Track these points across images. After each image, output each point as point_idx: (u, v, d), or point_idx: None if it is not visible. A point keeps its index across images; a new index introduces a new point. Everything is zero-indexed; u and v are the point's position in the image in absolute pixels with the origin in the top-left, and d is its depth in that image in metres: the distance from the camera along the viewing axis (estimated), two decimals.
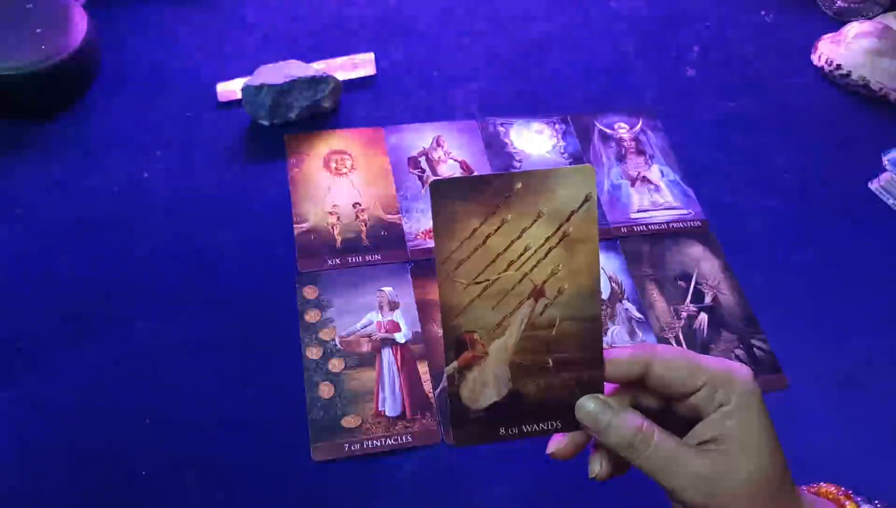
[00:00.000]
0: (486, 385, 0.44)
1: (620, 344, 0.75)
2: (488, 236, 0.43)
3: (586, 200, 0.43)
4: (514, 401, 0.45)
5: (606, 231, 0.83)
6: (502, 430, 0.45)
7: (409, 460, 0.67)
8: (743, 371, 0.43)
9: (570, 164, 0.89)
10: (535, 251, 0.43)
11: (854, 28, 1.02)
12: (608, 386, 0.45)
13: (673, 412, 0.45)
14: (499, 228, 0.43)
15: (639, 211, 0.86)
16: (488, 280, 0.43)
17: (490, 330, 0.44)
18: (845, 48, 1.01)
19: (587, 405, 0.44)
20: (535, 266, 0.43)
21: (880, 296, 0.81)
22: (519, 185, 0.43)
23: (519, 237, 0.43)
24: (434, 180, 0.42)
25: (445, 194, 0.42)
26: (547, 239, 0.43)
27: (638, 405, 0.45)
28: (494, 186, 0.43)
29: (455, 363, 0.44)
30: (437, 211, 0.42)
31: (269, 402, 0.69)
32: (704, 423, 0.43)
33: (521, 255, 0.43)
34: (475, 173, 0.87)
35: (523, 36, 1.05)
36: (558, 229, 0.43)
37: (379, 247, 0.80)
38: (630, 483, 0.47)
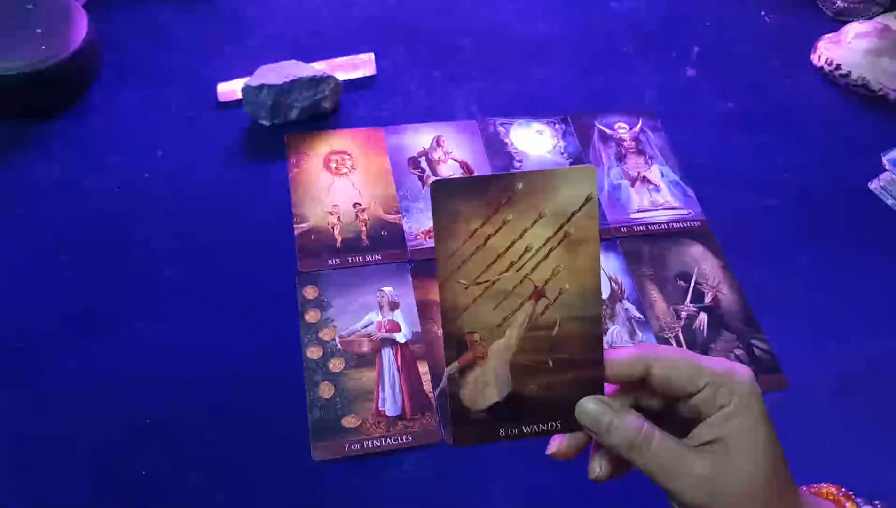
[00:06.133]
0: (486, 386, 0.44)
1: (620, 344, 0.75)
2: (489, 237, 0.43)
3: (587, 200, 0.43)
4: (514, 402, 0.45)
5: (606, 231, 0.83)
6: (502, 431, 0.45)
7: (409, 460, 0.67)
8: (744, 372, 0.43)
9: (570, 164, 0.89)
10: (536, 252, 0.43)
11: (854, 28, 1.02)
12: (608, 387, 0.45)
13: (673, 412, 0.45)
14: (500, 228, 0.43)
15: (639, 211, 0.86)
16: (489, 281, 0.43)
17: (491, 331, 0.44)
18: (845, 48, 1.01)
19: (588, 405, 0.44)
20: (535, 267, 0.43)
21: (880, 296, 0.81)
22: (520, 185, 0.42)
23: (520, 238, 0.43)
24: (435, 180, 0.42)
25: (446, 194, 0.42)
26: (548, 239, 0.43)
27: (638, 405, 0.45)
28: (495, 187, 0.42)
29: (456, 364, 0.44)
30: (438, 211, 0.42)
31: (269, 402, 0.69)
32: (705, 424, 0.43)
33: (522, 255, 0.43)
34: (475, 174, 0.87)
35: (523, 36, 1.05)
36: (559, 229, 0.43)
37: (379, 247, 0.80)
38: (630, 485, 0.47)
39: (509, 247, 0.43)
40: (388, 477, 0.66)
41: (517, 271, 0.43)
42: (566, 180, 0.43)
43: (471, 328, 0.44)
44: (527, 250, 0.43)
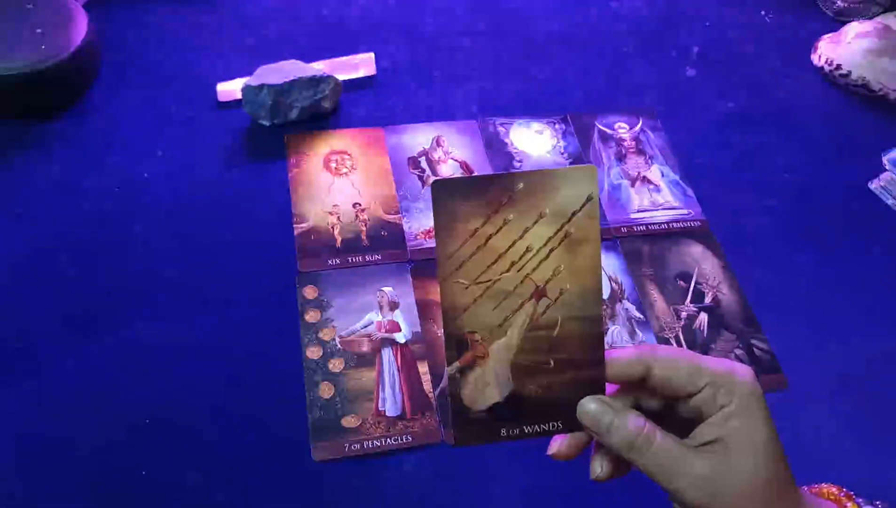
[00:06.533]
0: (487, 386, 0.44)
1: (620, 344, 0.75)
2: (490, 236, 0.43)
3: (588, 199, 0.43)
4: (515, 402, 0.45)
5: (606, 231, 0.83)
6: (503, 431, 0.45)
7: (409, 460, 0.67)
8: (745, 372, 0.43)
9: (570, 164, 0.89)
10: (537, 251, 0.43)
11: (854, 28, 1.02)
12: (609, 387, 0.45)
13: (674, 412, 0.45)
14: (501, 228, 0.43)
15: (639, 211, 0.86)
16: (490, 280, 0.43)
17: (492, 330, 0.44)
18: (845, 48, 1.01)
19: (589, 405, 0.44)
20: (536, 266, 0.43)
21: (880, 296, 0.81)
22: (521, 185, 0.42)
23: (521, 237, 0.43)
24: (436, 180, 0.42)
25: (447, 193, 0.42)
26: (549, 239, 0.43)
27: (639, 406, 0.45)
28: (496, 186, 0.42)
29: (456, 364, 0.44)
30: (439, 211, 0.42)
31: (269, 402, 0.69)
32: (706, 424, 0.43)
33: (523, 255, 0.43)
34: (476, 173, 0.87)
35: (523, 36, 1.05)
36: (560, 229, 0.43)
37: (379, 247, 0.80)
38: (631, 485, 0.47)
39: (510, 247, 0.43)
40: (388, 477, 0.66)
41: (518, 270, 0.43)
42: (567, 180, 0.43)
43: (471, 328, 0.44)
44: (528, 249, 0.43)
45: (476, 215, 0.42)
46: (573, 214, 0.43)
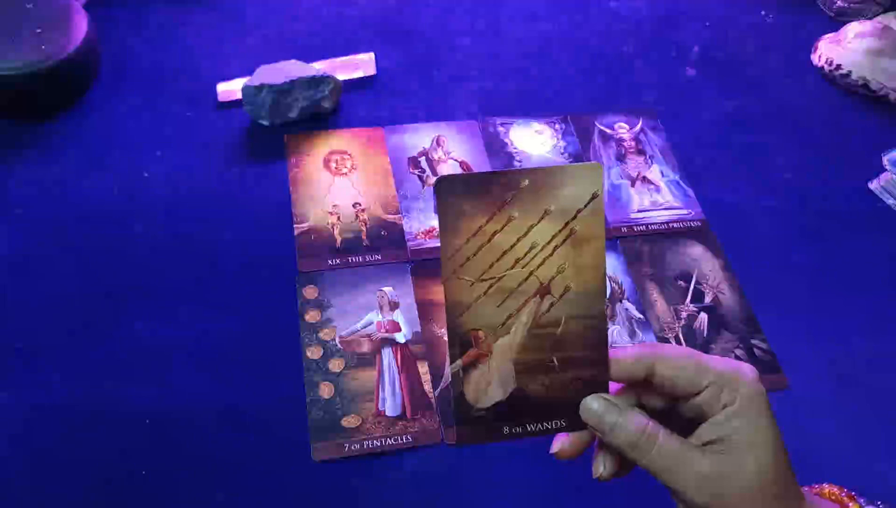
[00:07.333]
0: (490, 384, 0.44)
1: (621, 344, 0.75)
2: (494, 234, 0.43)
3: (593, 197, 0.43)
4: (518, 400, 0.45)
5: (606, 231, 0.83)
6: (506, 429, 0.45)
7: (409, 460, 0.67)
8: (748, 372, 0.43)
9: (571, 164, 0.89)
10: (542, 249, 0.43)
11: (854, 28, 1.02)
12: (613, 386, 0.45)
13: (677, 412, 0.45)
14: (505, 225, 0.43)
15: (639, 211, 0.86)
16: (494, 278, 0.43)
17: (495, 328, 0.44)
18: (845, 48, 1.01)
19: (592, 404, 0.44)
20: (541, 264, 0.43)
21: (880, 296, 0.81)
22: (526, 182, 0.42)
23: (525, 235, 0.43)
24: (440, 177, 0.42)
25: (451, 191, 0.42)
26: (553, 237, 0.43)
27: (642, 404, 0.45)
28: (501, 183, 0.42)
29: (459, 361, 0.44)
30: (443, 208, 0.42)
31: (270, 402, 0.69)
32: (709, 423, 0.43)
33: (528, 252, 0.43)
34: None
35: (523, 36, 1.05)
36: (565, 226, 0.43)
37: (379, 247, 0.80)
38: (634, 484, 0.47)
39: (514, 244, 0.43)
40: (388, 477, 0.66)
41: (522, 268, 0.43)
42: (572, 177, 0.43)
43: (475, 326, 0.44)
44: (532, 247, 0.43)
45: (480, 212, 0.42)
46: (578, 211, 0.43)
